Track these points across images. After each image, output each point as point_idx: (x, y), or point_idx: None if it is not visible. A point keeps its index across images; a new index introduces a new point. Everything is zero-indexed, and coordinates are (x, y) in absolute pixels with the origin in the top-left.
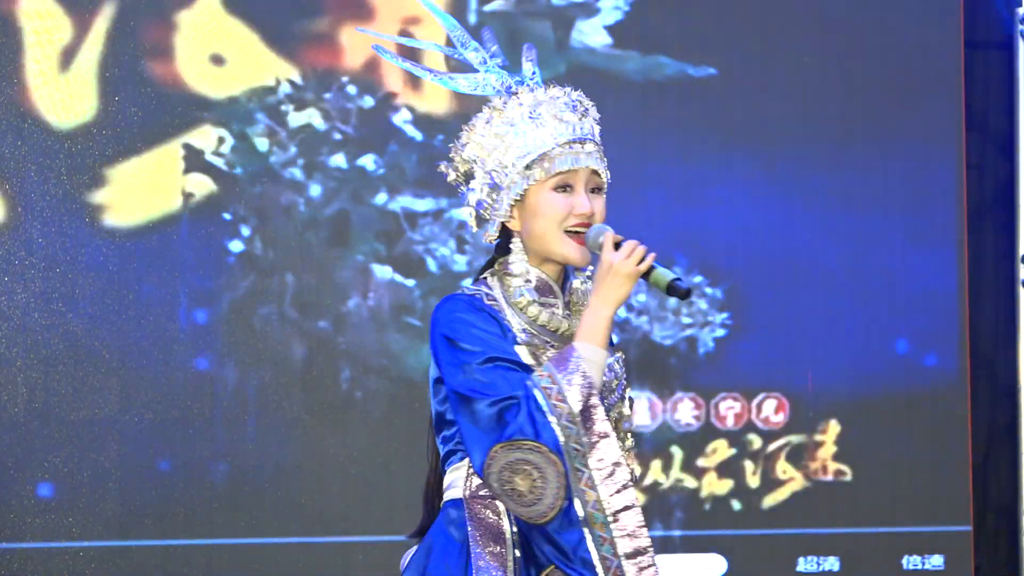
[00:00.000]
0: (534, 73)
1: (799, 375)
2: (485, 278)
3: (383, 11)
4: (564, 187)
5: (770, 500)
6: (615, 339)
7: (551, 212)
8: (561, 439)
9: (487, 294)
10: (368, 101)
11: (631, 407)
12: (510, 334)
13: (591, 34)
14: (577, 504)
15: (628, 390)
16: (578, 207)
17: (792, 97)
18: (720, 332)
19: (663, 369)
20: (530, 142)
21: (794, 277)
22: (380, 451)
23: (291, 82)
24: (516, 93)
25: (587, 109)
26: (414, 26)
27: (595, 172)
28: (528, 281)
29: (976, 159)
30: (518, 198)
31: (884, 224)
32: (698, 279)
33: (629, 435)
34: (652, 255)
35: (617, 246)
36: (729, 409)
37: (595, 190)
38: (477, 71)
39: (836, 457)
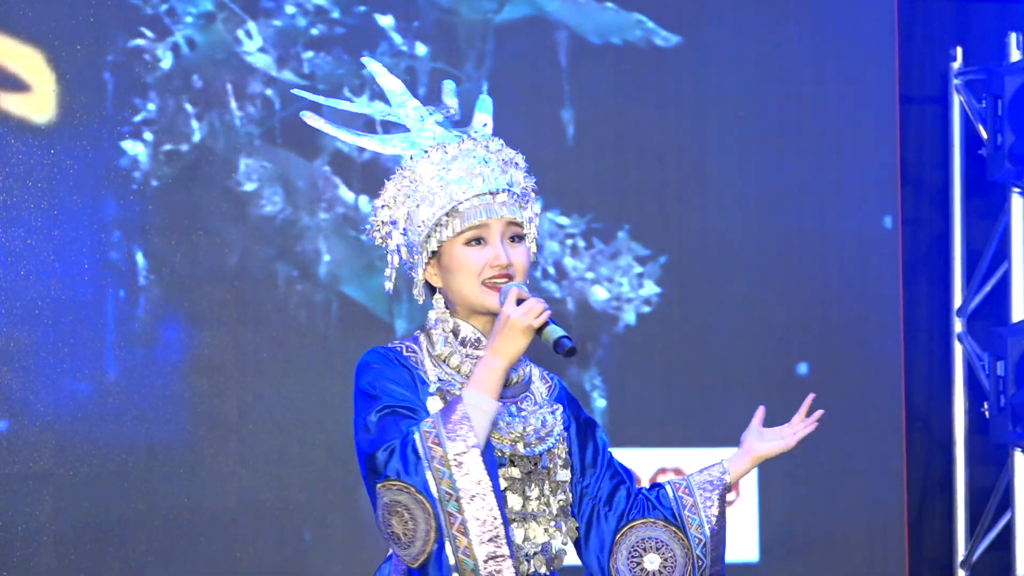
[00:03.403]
0: (485, 125)
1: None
2: (417, 334)
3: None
4: (477, 240)
5: None
6: (544, 391)
7: (466, 267)
8: (431, 481)
9: (407, 346)
10: None
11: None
12: (423, 385)
13: None
14: (448, 550)
15: (563, 449)
16: (493, 259)
17: (727, 149)
18: None
19: None
20: (440, 198)
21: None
22: (316, 502)
23: None
24: (426, 152)
25: (507, 160)
26: None
27: (512, 222)
28: (451, 333)
29: (911, 213)
30: (431, 256)
31: (821, 277)
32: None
33: (561, 495)
34: (548, 312)
35: (520, 303)
36: None
37: (514, 238)
38: (409, 131)
39: None
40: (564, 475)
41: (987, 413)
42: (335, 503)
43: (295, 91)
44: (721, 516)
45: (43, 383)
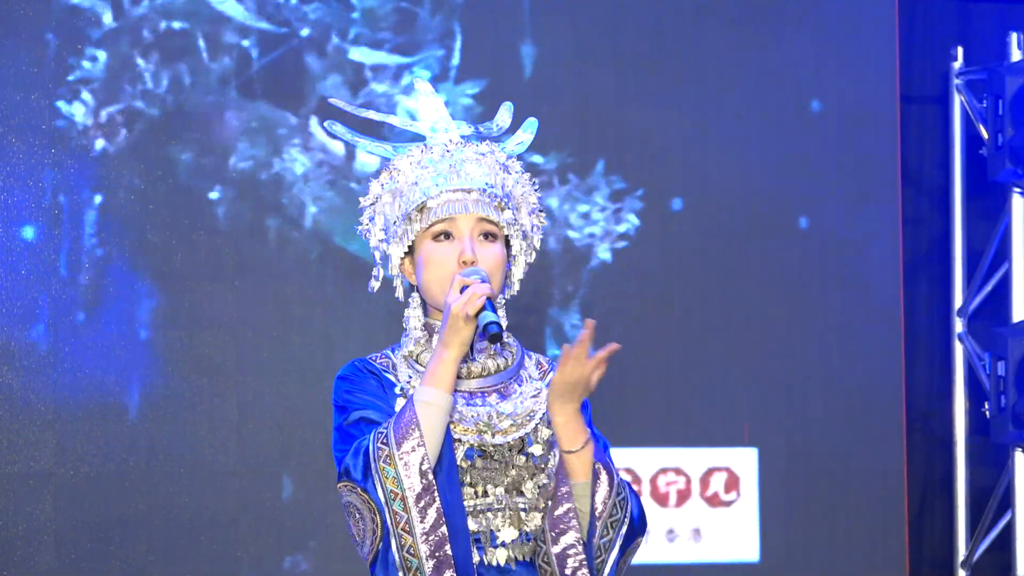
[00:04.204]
0: (520, 144)
1: (736, 429)
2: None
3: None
4: (445, 235)
5: None
6: (535, 378)
7: (433, 261)
8: (377, 481)
9: (382, 354)
10: None
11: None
12: (391, 387)
13: None
14: (394, 548)
15: (549, 432)
16: (460, 253)
17: (727, 150)
18: None
19: None
20: (414, 194)
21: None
22: (316, 502)
23: None
24: (409, 150)
25: (499, 164)
26: None
27: (484, 219)
28: (423, 331)
29: (911, 213)
30: (407, 251)
31: (821, 277)
32: None
33: (544, 478)
34: (481, 300)
35: (464, 290)
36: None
37: (487, 236)
38: (425, 139)
39: None
40: (546, 458)
41: (988, 413)
42: (335, 503)
43: (332, 100)
44: (558, 495)
45: (43, 383)
